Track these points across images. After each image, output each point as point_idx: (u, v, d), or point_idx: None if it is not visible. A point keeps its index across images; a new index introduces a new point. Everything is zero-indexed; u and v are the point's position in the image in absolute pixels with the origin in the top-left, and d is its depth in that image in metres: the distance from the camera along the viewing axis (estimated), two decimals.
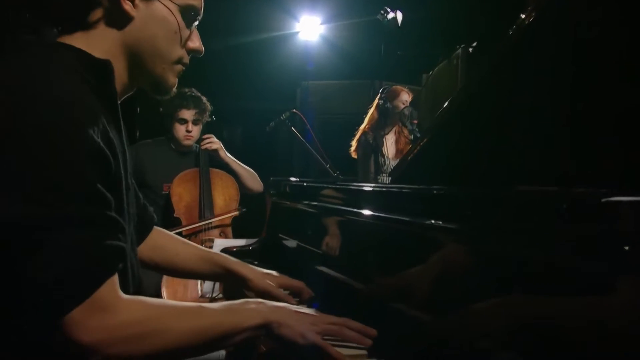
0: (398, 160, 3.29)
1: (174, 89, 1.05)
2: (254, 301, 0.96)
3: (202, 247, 1.35)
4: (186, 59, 1.04)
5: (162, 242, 1.28)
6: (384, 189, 1.32)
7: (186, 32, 1.02)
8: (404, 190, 1.17)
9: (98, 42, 0.94)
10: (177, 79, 1.04)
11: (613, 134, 0.91)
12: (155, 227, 1.29)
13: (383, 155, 3.27)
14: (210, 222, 2.78)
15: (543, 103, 1.05)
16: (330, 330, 0.94)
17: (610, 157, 0.87)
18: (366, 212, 1.25)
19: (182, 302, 0.92)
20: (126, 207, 0.92)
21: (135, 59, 0.97)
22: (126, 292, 0.86)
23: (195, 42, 1.05)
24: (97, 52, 0.93)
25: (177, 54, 1.01)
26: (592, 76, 0.96)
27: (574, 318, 0.68)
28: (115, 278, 0.82)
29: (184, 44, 1.02)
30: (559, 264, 0.71)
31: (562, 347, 0.69)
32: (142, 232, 1.22)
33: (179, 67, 1.03)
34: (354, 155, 3.47)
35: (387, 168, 3.25)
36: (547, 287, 0.73)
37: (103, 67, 0.92)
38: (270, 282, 1.29)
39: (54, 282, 0.74)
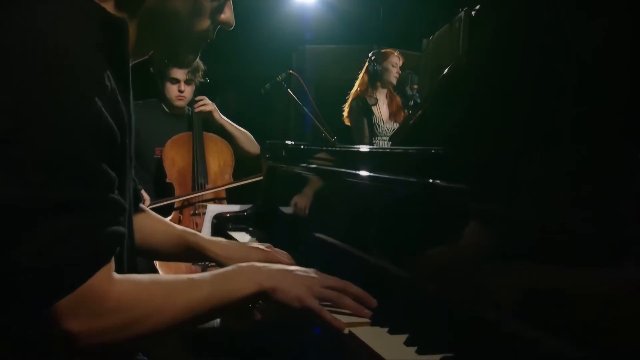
0: (392, 122, 3.24)
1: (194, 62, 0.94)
2: (247, 266, 0.91)
3: (176, 225, 1.26)
4: (211, 32, 0.92)
5: (144, 222, 1.19)
6: (386, 150, 1.26)
7: (215, 2, 0.89)
8: (409, 151, 1.13)
9: None
10: (197, 54, 0.93)
11: (624, 103, 0.86)
12: (143, 209, 1.21)
13: (376, 119, 3.22)
14: (204, 193, 2.71)
15: (548, 67, 1.02)
16: (328, 296, 0.90)
17: (617, 126, 0.83)
18: (367, 173, 1.20)
19: (172, 275, 0.86)
20: (128, 182, 0.86)
21: (152, 22, 0.86)
22: (120, 271, 0.80)
23: (227, 14, 0.92)
24: (111, 8, 0.82)
25: (201, 25, 0.89)
26: (602, 41, 0.92)
27: (589, 286, 0.65)
28: (111, 264, 0.76)
29: (212, 14, 0.90)
30: (573, 225, 0.67)
31: (576, 317, 0.65)
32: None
33: (202, 39, 0.91)
34: (347, 122, 3.42)
35: (381, 131, 3.21)
36: (559, 251, 0.69)
37: (118, 27, 0.81)
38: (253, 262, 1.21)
39: (47, 270, 0.68)
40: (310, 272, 0.94)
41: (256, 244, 1.26)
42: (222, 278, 0.87)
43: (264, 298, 0.89)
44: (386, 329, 0.84)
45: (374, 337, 0.81)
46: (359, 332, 0.83)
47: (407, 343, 0.78)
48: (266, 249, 1.22)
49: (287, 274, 0.91)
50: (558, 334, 0.67)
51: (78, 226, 0.70)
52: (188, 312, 0.81)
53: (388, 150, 1.29)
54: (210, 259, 1.22)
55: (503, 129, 1.04)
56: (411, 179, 1.02)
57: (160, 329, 0.78)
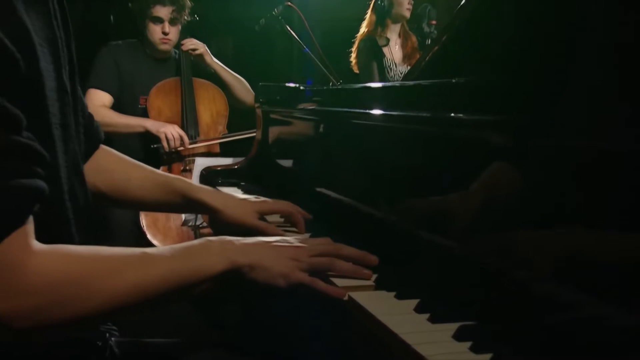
0: (405, 66, 3.13)
1: None
2: (217, 240, 0.84)
3: (159, 171, 1.20)
4: None
5: (108, 164, 1.12)
6: (399, 85, 1.19)
7: None
8: (422, 84, 1.07)
9: None
10: None
11: None
12: (102, 146, 1.12)
13: (388, 61, 3.10)
14: (196, 141, 2.66)
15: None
16: (319, 265, 0.84)
17: None
18: (378, 112, 1.13)
19: (121, 249, 0.78)
20: (55, 120, 0.75)
21: None
22: (71, 242, 0.73)
23: None
24: None
25: None
26: None
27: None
28: (27, 227, 0.67)
29: None
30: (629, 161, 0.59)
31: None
32: (85, 151, 1.01)
33: None
34: (355, 69, 3.30)
35: (393, 75, 3.09)
36: (608, 197, 0.62)
37: None
38: (250, 211, 1.16)
39: None
40: (292, 240, 0.88)
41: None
42: (184, 253, 0.80)
43: (237, 277, 0.81)
44: (393, 294, 0.79)
45: (378, 302, 0.76)
46: (360, 297, 0.78)
47: (418, 310, 0.73)
48: (270, 201, 1.17)
49: (266, 247, 0.86)
50: (600, 296, 0.62)
51: None
52: (139, 292, 0.74)
53: (400, 84, 1.21)
54: (202, 208, 1.17)
55: (533, 59, 0.97)
56: (432, 114, 0.96)
57: (105, 310, 0.71)
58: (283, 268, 0.82)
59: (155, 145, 2.59)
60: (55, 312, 0.67)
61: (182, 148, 2.60)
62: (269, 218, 1.22)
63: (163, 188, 1.15)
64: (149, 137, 2.60)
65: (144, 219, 2.48)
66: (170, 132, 2.56)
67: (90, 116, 1.05)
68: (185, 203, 1.16)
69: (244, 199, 1.20)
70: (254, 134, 2.59)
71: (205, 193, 1.17)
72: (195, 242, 0.83)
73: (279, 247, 0.85)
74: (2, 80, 0.63)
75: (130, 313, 0.78)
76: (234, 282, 0.82)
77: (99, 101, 2.58)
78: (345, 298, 0.79)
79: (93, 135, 1.06)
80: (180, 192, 1.16)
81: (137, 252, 0.77)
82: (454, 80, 0.94)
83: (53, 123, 0.74)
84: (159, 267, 0.76)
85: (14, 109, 0.64)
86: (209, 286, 0.80)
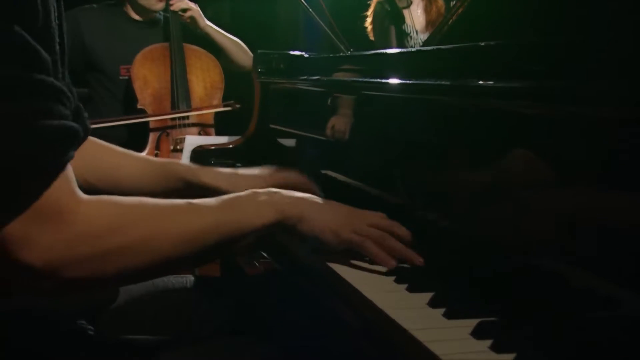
0: (428, 34, 3.11)
1: None
2: (264, 192, 0.92)
3: (150, 157, 1.26)
4: None
5: (94, 153, 1.15)
6: (415, 50, 1.19)
7: None
8: (445, 48, 1.09)
9: None
10: None
11: None
12: (93, 139, 1.15)
13: (408, 27, 3.07)
14: (186, 117, 2.66)
15: None
16: (371, 234, 0.89)
17: None
18: (392, 81, 1.14)
19: (167, 200, 0.85)
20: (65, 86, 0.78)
21: None
22: None
23: None
24: None
25: None
26: None
27: None
28: (71, 174, 0.73)
29: None
30: None
31: None
32: None
33: None
34: (371, 35, 3.28)
35: (414, 44, 3.07)
36: None
37: None
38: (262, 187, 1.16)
39: None
40: (343, 205, 0.95)
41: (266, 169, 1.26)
42: (232, 204, 0.88)
43: (287, 230, 0.90)
44: (404, 286, 0.80)
45: (387, 296, 0.77)
46: (367, 289, 0.79)
47: (432, 304, 0.74)
48: (280, 172, 1.23)
49: (317, 202, 0.93)
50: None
51: (11, 116, 0.65)
52: (186, 243, 0.80)
53: (418, 50, 1.21)
54: (206, 192, 1.18)
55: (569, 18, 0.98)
56: (456, 83, 0.96)
57: (152, 260, 0.77)
58: (334, 224, 0.89)
59: (140, 107, 2.63)
60: (112, 259, 0.74)
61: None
62: None
63: (158, 174, 1.19)
64: (132, 97, 2.64)
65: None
66: None
67: (79, 106, 1.07)
68: (186, 188, 1.19)
69: (252, 175, 1.23)
70: (230, 108, 2.63)
71: (207, 174, 1.20)
72: (242, 193, 0.90)
73: (330, 204, 0.94)
74: (31, 27, 0.68)
75: (178, 264, 0.85)
76: (284, 233, 0.90)
77: None
78: (393, 266, 0.85)
79: (83, 125, 1.08)
80: (178, 176, 1.18)
81: (182, 202, 0.84)
82: (482, 44, 0.94)
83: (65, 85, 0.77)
84: (206, 217, 0.83)
85: (45, 53, 0.69)
86: (257, 237, 0.88)
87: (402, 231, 0.91)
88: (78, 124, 1.05)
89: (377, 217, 0.93)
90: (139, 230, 0.77)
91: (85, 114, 1.11)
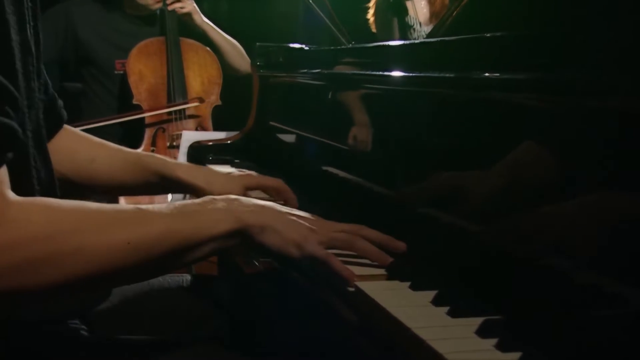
0: (433, 26, 3.12)
1: None
2: (223, 198, 0.87)
3: (127, 149, 1.23)
4: None
5: (69, 143, 1.14)
6: (419, 42, 1.19)
7: None
8: (449, 40, 1.08)
9: None
10: None
11: None
12: (65, 126, 1.15)
13: (411, 19, 3.08)
14: (182, 110, 2.66)
15: None
16: (338, 241, 0.86)
17: None
18: (395, 74, 1.14)
19: (113, 205, 0.81)
20: (21, 75, 0.78)
21: None
22: None
23: None
24: None
25: None
26: None
27: None
28: (1, 174, 0.70)
29: None
30: None
31: None
32: (48, 130, 1.04)
33: None
34: (373, 27, 3.29)
35: (417, 36, 3.08)
36: None
37: None
38: (237, 187, 1.19)
39: None
40: (309, 216, 0.91)
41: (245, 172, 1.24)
42: (185, 210, 0.82)
43: (245, 240, 0.84)
44: (407, 284, 0.80)
45: (389, 294, 0.77)
46: (369, 288, 0.79)
47: (436, 302, 0.74)
48: (257, 175, 1.20)
49: (279, 212, 0.88)
50: None
51: None
52: (132, 253, 0.76)
53: (422, 42, 1.22)
54: (181, 187, 1.20)
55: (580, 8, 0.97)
56: (461, 75, 0.96)
57: (94, 271, 0.73)
58: (297, 236, 0.84)
59: (136, 102, 2.63)
60: (40, 270, 0.70)
61: None
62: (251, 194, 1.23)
63: (133, 167, 1.18)
64: (127, 92, 2.65)
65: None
66: None
67: (54, 95, 1.08)
68: (161, 182, 1.18)
69: (228, 174, 1.22)
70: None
71: (184, 170, 1.19)
72: (198, 200, 0.86)
73: (295, 214, 0.88)
74: None
75: (125, 278, 0.81)
76: (241, 244, 0.85)
77: None
78: (351, 289, 0.80)
79: (56, 115, 1.09)
80: (153, 170, 1.17)
81: (129, 208, 0.80)
82: (487, 35, 0.94)
83: (19, 77, 0.77)
84: (155, 225, 0.78)
85: None
86: (214, 248, 0.83)
87: (371, 233, 0.88)
88: (53, 112, 1.06)
89: (343, 224, 0.90)
90: (74, 238, 0.73)
91: (60, 103, 1.11)
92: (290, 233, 0.84)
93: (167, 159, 1.21)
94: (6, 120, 0.69)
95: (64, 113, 1.12)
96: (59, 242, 0.71)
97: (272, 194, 1.21)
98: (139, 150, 2.59)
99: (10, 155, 0.71)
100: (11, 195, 0.70)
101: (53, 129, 1.10)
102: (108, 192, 1.32)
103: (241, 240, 0.84)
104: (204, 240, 0.81)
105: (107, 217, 0.77)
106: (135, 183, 1.18)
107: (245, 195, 1.14)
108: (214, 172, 1.23)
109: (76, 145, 1.15)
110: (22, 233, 0.69)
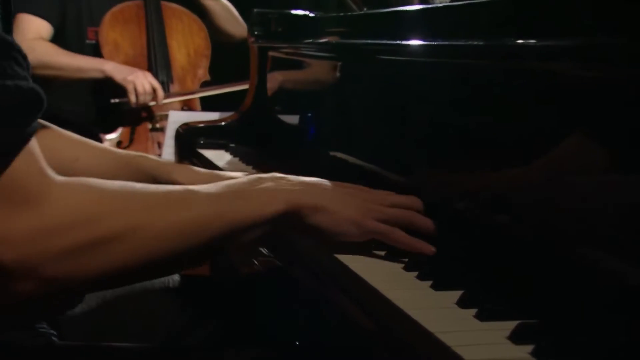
0: None
1: None
2: (269, 177, 0.92)
3: (115, 149, 1.27)
4: None
5: (50, 142, 1.13)
6: (441, 6, 1.20)
7: None
8: (473, 3, 1.07)
9: None
10: None
11: None
12: (45, 124, 1.16)
13: None
14: (165, 87, 2.69)
15: None
16: (397, 216, 0.91)
17: None
18: (413, 42, 1.15)
19: (162, 185, 0.88)
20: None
21: None
22: None
23: None
24: None
25: None
26: None
27: None
28: (35, 147, 0.73)
29: None
30: None
31: None
32: None
33: None
34: None
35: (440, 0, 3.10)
36: None
37: None
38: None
39: None
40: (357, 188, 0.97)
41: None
42: (233, 191, 0.88)
43: (296, 223, 0.89)
44: (429, 283, 0.82)
45: (407, 293, 0.79)
46: (385, 287, 0.80)
47: (462, 303, 0.75)
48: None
49: (331, 187, 0.94)
50: None
51: None
52: (180, 236, 0.80)
53: (445, 5, 1.23)
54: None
55: None
56: (492, 42, 0.98)
57: (140, 257, 0.78)
58: (354, 213, 0.89)
59: (115, 101, 2.62)
60: (89, 254, 0.74)
61: (153, 103, 2.62)
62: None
63: (122, 168, 1.20)
64: (103, 88, 2.64)
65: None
66: (142, 83, 2.55)
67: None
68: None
69: (220, 175, 1.21)
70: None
71: (182, 172, 1.20)
72: (245, 179, 0.91)
73: (347, 187, 0.95)
74: None
75: (173, 263, 0.85)
76: (289, 228, 0.91)
77: (33, 32, 2.61)
78: (432, 252, 0.87)
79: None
80: (146, 172, 1.19)
81: (178, 189, 0.86)
82: None
83: None
84: (203, 205, 0.84)
85: None
86: (263, 231, 0.88)
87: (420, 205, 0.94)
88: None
89: (394, 196, 0.95)
90: (125, 220, 0.77)
91: (37, 87, 1.12)
92: (347, 210, 0.89)
93: (162, 160, 1.22)
94: (33, 84, 0.72)
95: (43, 97, 1.14)
96: (113, 220, 0.76)
97: None
98: (115, 135, 2.61)
99: (37, 125, 0.73)
100: (52, 173, 0.74)
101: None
102: None
103: (290, 224, 0.89)
104: (253, 223, 0.86)
105: (156, 198, 0.82)
106: None
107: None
108: (220, 175, 1.23)
109: (57, 144, 1.18)
110: (72, 215, 0.73)
